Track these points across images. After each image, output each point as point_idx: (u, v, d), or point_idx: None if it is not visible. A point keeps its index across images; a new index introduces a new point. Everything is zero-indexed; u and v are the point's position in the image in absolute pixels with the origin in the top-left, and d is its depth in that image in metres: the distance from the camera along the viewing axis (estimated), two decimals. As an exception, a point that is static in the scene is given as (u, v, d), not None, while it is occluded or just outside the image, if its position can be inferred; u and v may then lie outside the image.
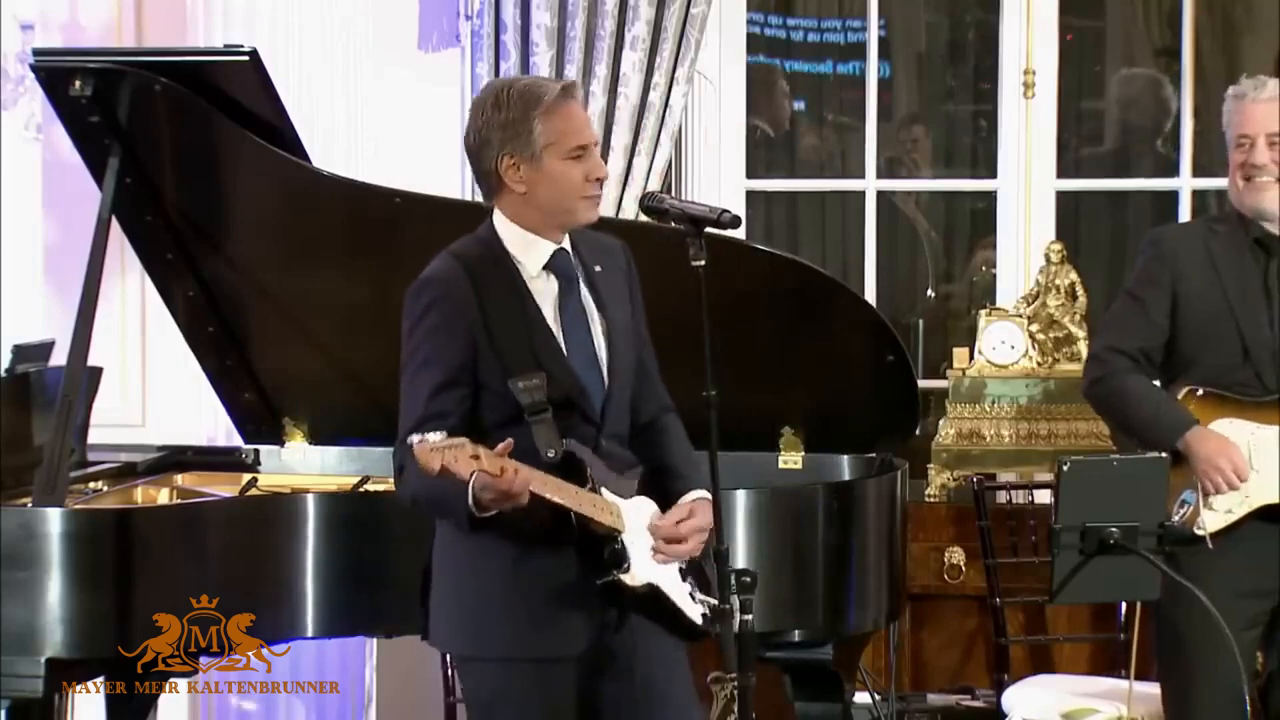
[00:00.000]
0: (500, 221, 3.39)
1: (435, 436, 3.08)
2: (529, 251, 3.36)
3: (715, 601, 3.30)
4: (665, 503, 3.40)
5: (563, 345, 3.33)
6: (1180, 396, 4.08)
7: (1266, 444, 4.00)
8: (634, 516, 3.35)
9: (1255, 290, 4.05)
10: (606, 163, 5.23)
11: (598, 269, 3.41)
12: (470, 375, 3.31)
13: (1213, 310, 4.06)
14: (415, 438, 3.08)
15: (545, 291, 3.36)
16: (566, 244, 3.39)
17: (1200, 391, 4.05)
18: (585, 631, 3.31)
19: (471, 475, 3.09)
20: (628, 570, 3.29)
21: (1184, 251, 4.13)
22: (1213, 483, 3.96)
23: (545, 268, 3.36)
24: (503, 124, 3.31)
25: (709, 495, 3.35)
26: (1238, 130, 4.06)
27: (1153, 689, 4.28)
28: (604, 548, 3.29)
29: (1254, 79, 4.12)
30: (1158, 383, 4.18)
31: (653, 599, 3.34)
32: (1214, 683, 3.97)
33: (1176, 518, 3.94)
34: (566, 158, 3.31)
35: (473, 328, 3.30)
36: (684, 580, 3.39)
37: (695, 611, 3.38)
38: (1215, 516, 3.96)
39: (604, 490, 3.31)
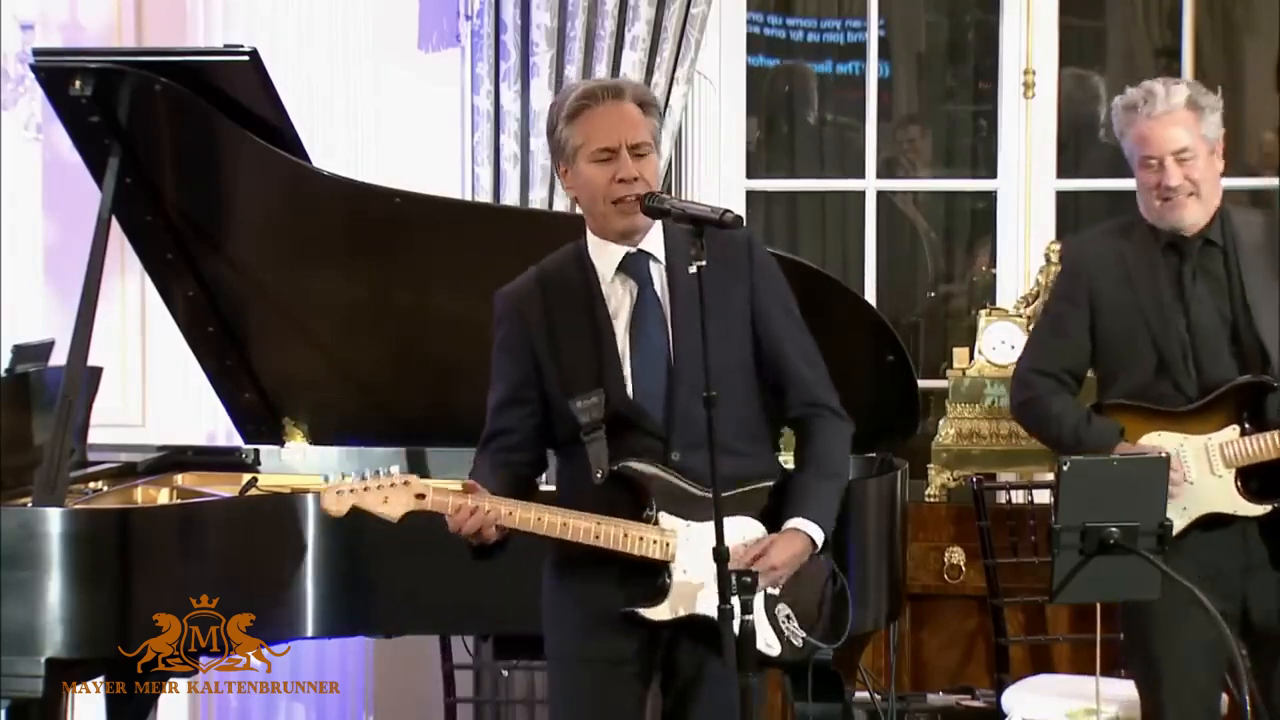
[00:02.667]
0: (588, 229, 3.40)
1: (361, 480, 3.15)
2: (603, 257, 3.36)
3: (803, 634, 3.32)
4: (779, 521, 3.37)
5: (627, 355, 3.32)
6: (1108, 410, 4.07)
7: (1197, 454, 3.99)
8: (703, 541, 3.26)
9: (1169, 297, 4.01)
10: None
11: (691, 269, 3.25)
12: (534, 392, 3.36)
13: (1128, 323, 4.03)
14: (331, 480, 3.20)
15: (621, 297, 3.35)
16: (650, 245, 3.35)
17: (1124, 405, 4.04)
18: (620, 641, 3.32)
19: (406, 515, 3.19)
20: (654, 605, 3.29)
21: (1097, 263, 4.09)
22: None
23: (619, 272, 3.35)
24: (551, 134, 3.37)
25: (805, 525, 3.32)
26: (1141, 150, 3.98)
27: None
28: (657, 574, 3.31)
29: (1142, 88, 4.00)
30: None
31: (703, 627, 3.31)
32: (1177, 681, 3.97)
33: None
34: (592, 161, 3.30)
35: (535, 345, 3.34)
36: (773, 606, 3.35)
37: (769, 644, 3.33)
38: None
39: (663, 515, 3.30)
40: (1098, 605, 4.40)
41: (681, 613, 3.31)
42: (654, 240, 3.36)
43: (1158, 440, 4.00)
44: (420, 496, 3.18)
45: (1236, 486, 3.98)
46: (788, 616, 3.35)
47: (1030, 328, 5.23)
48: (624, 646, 3.34)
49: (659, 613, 3.31)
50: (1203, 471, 3.98)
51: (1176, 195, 3.96)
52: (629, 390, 3.31)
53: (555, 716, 3.52)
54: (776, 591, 3.35)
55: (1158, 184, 3.97)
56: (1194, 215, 3.99)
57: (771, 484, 3.41)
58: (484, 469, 3.39)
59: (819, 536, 3.36)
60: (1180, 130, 3.95)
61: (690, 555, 3.31)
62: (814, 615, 3.39)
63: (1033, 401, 4.15)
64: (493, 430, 3.40)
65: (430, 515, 3.33)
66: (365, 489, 3.18)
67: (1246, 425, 3.99)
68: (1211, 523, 3.99)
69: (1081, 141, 6.45)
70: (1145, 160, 3.98)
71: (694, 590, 3.31)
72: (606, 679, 3.36)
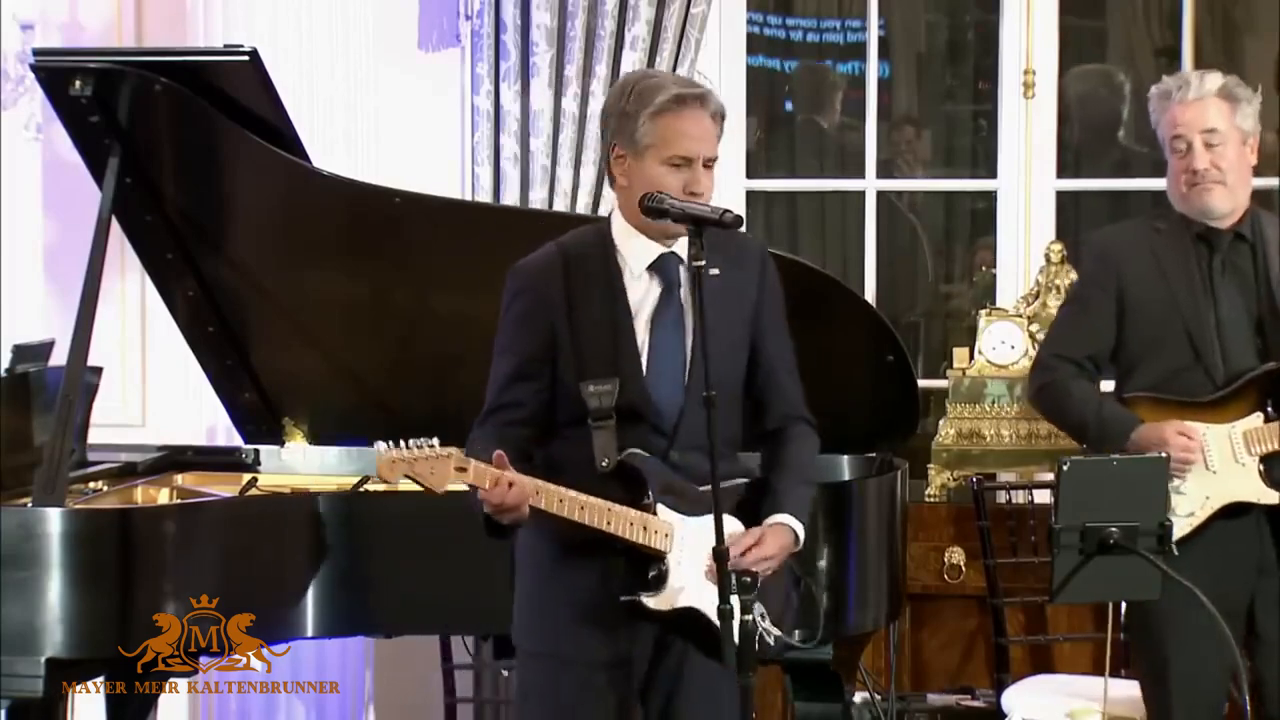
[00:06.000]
0: (615, 214, 3.40)
1: (410, 450, 3.11)
2: (634, 250, 3.35)
3: (778, 633, 3.33)
4: (758, 518, 3.38)
5: (644, 353, 3.32)
6: (1128, 403, 4.08)
7: (1219, 443, 4.00)
8: (695, 536, 3.31)
9: (1200, 288, 4.04)
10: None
11: (713, 273, 3.31)
12: (547, 368, 3.33)
13: (1159, 312, 4.05)
14: (381, 446, 3.12)
15: (645, 294, 3.35)
16: (679, 247, 3.33)
17: (1146, 396, 4.05)
18: (611, 639, 3.32)
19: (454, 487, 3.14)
20: (656, 594, 3.30)
21: (1128, 253, 4.11)
22: (1172, 468, 3.94)
23: (649, 269, 3.35)
24: (620, 113, 3.32)
25: (792, 521, 3.34)
26: (1170, 133, 4.02)
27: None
28: (650, 565, 3.31)
29: (1177, 77, 4.08)
30: (1111, 384, 4.18)
31: (692, 623, 3.33)
32: (1188, 681, 3.98)
33: None
34: (665, 163, 3.28)
35: (555, 322, 3.32)
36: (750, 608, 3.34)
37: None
38: (1179, 522, 3.94)
39: (660, 507, 3.31)
40: (1110, 605, 4.40)
41: (679, 604, 3.32)
42: (683, 244, 3.34)
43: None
44: (461, 469, 3.17)
45: (1260, 473, 3.99)
46: (762, 615, 3.35)
47: (1030, 328, 5.25)
48: (609, 647, 3.33)
49: (659, 602, 3.31)
50: (1226, 459, 3.99)
51: (1203, 180, 3.99)
52: (645, 383, 3.31)
53: (528, 716, 3.47)
54: (753, 595, 3.35)
55: (1185, 168, 4.00)
56: (1220, 202, 4.01)
57: (745, 481, 3.42)
58: (485, 442, 3.31)
59: (802, 534, 3.38)
60: (1212, 114, 3.99)
61: (684, 550, 3.32)
62: (781, 614, 3.40)
63: (1052, 385, 4.15)
64: (500, 403, 3.35)
65: (432, 514, 3.33)
66: (415, 459, 3.15)
67: (1270, 412, 4.00)
68: (1229, 516, 4.00)
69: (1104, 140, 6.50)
70: (1174, 143, 4.02)
71: (688, 584, 3.32)
72: (587, 681, 3.34)
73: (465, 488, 3.20)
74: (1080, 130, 6.62)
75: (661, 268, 3.35)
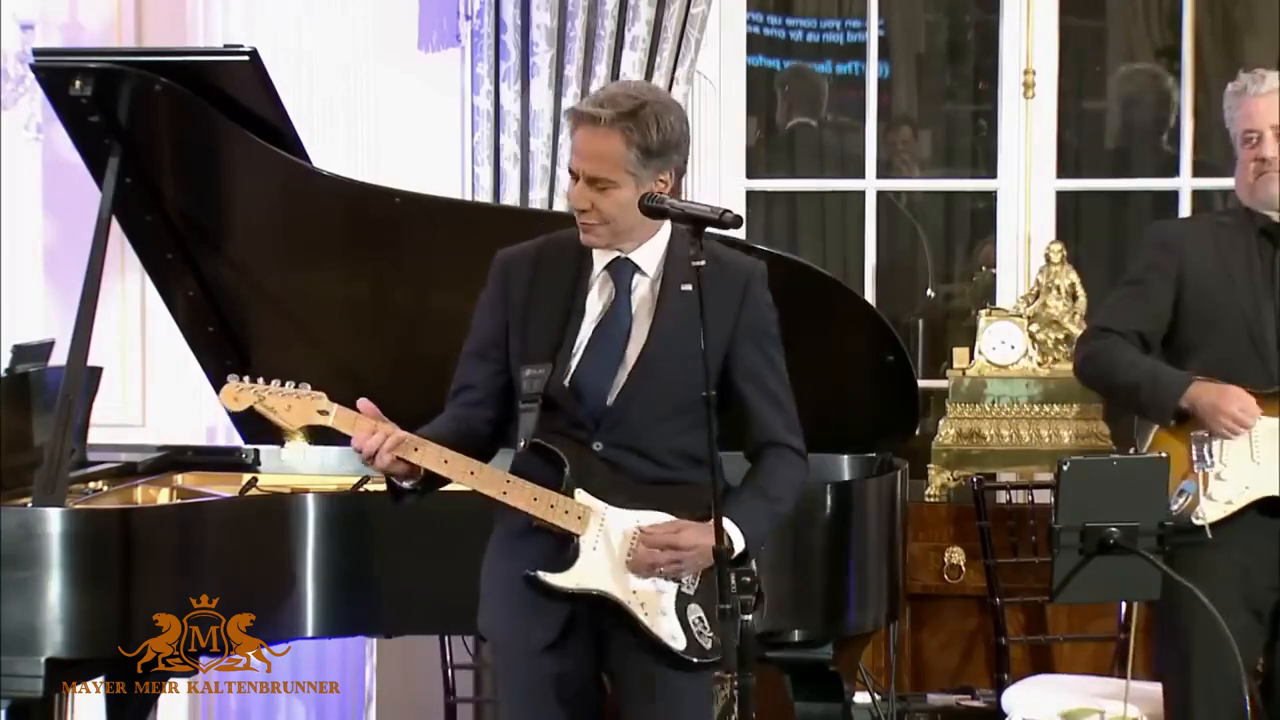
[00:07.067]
0: None
1: (261, 384, 3.22)
2: (600, 251, 3.41)
3: (713, 636, 3.31)
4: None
5: (581, 347, 3.36)
6: None
7: (1269, 435, 4.00)
8: (623, 526, 3.34)
9: (1260, 280, 4.07)
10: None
11: (684, 288, 3.32)
12: (501, 351, 3.42)
13: (1219, 300, 4.08)
14: (231, 378, 3.28)
15: (602, 292, 3.40)
16: (641, 255, 3.38)
17: (1202, 377, 4.05)
18: (540, 625, 3.35)
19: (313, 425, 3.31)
20: (561, 573, 3.31)
21: (1190, 242, 4.15)
22: (1226, 429, 3.96)
23: (604, 270, 3.40)
24: None
25: (727, 525, 3.29)
26: (1243, 126, 4.09)
27: (1152, 688, 4.28)
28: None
29: (1251, 74, 4.14)
30: None
31: (611, 610, 3.35)
32: (1211, 680, 3.97)
33: (1175, 507, 3.93)
34: (570, 173, 3.37)
35: (511, 309, 3.40)
36: (685, 605, 3.35)
37: (675, 636, 3.33)
38: (1215, 506, 3.96)
39: (580, 491, 3.33)
40: (1134, 605, 4.39)
41: (586, 586, 3.33)
42: (649, 253, 3.39)
43: None
44: (324, 413, 3.26)
45: None
46: (699, 619, 3.35)
47: (1030, 328, 5.25)
48: (545, 633, 3.36)
49: (561, 580, 3.33)
50: (1272, 454, 4.00)
51: (1270, 168, 4.04)
52: (567, 378, 3.35)
53: (499, 692, 3.55)
54: (691, 591, 3.36)
55: (1254, 157, 4.06)
56: None
57: (693, 484, 3.36)
58: (444, 418, 3.45)
59: (737, 538, 3.33)
60: None
61: (603, 534, 3.34)
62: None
63: (1098, 352, 4.17)
64: (459, 384, 3.47)
65: (432, 514, 3.34)
66: (270, 393, 3.24)
67: None
68: (1267, 514, 4.01)
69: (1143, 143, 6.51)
70: (1246, 135, 4.09)
71: (602, 568, 3.34)
72: (520, 664, 3.39)
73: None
74: (1125, 132, 6.63)
75: (614, 272, 3.40)
